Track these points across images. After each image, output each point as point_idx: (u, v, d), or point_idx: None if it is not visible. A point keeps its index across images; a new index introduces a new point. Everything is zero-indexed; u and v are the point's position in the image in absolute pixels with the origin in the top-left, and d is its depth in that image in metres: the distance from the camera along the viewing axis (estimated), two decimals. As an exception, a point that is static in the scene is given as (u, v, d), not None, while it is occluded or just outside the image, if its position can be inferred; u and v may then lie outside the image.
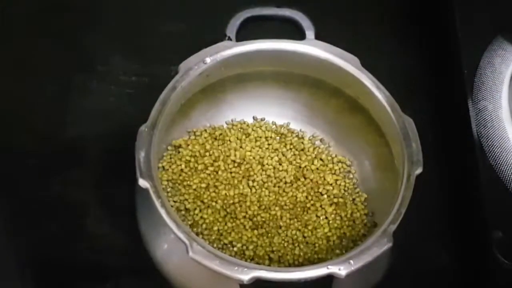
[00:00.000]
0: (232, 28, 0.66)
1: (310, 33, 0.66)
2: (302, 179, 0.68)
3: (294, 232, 0.65)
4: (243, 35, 0.66)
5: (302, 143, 0.70)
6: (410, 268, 0.68)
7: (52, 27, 0.80)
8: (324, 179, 0.68)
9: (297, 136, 0.71)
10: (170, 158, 0.67)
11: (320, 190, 0.67)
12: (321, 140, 0.71)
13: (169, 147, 0.68)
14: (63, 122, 0.75)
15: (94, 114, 0.75)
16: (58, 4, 0.81)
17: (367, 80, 0.64)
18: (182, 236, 0.55)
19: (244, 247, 0.63)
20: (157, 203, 0.56)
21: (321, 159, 0.69)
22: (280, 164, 0.68)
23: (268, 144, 0.70)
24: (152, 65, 0.77)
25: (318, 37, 0.66)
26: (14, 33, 0.78)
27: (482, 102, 0.69)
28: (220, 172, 0.67)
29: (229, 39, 0.65)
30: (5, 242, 0.68)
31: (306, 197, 0.67)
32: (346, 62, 0.65)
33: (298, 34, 0.66)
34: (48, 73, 0.77)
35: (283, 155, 0.69)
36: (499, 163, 0.66)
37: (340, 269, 0.54)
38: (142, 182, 0.56)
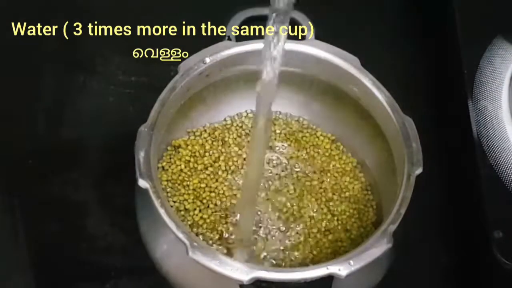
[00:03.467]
0: (232, 28, 0.66)
1: (310, 33, 0.66)
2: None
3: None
4: (243, 35, 0.66)
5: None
6: (410, 268, 0.68)
7: (51, 26, 0.79)
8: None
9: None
10: (170, 158, 0.67)
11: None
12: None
13: (169, 147, 0.68)
14: (63, 122, 0.75)
15: (94, 114, 0.75)
16: (57, 3, 0.81)
17: (367, 80, 0.64)
18: (181, 236, 0.55)
19: (244, 247, 0.63)
20: (157, 203, 0.56)
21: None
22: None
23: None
24: (152, 65, 0.77)
25: (318, 37, 0.66)
26: (13, 33, 0.78)
27: (482, 102, 0.69)
28: (220, 172, 0.67)
29: (229, 39, 0.65)
30: (5, 242, 0.68)
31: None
32: (346, 62, 0.65)
33: (298, 34, 0.66)
34: (47, 73, 0.77)
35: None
36: (499, 163, 0.66)
37: (340, 270, 0.54)
38: (142, 183, 0.56)
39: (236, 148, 0.69)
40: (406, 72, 0.80)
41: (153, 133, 0.59)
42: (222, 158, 0.68)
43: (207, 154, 0.68)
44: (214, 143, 0.69)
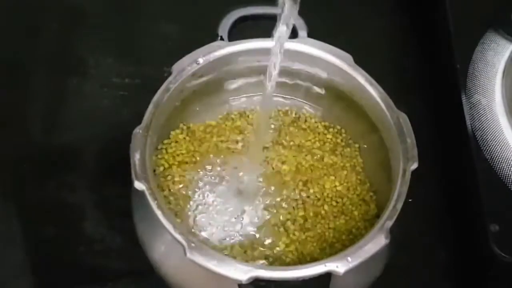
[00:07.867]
0: (224, 27, 0.66)
1: (302, 32, 0.66)
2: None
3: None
4: (235, 34, 0.66)
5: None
6: (408, 263, 0.68)
7: (44, 30, 0.79)
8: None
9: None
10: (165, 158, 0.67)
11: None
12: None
13: (164, 148, 0.68)
14: (57, 125, 0.75)
15: (88, 117, 0.75)
16: (50, 7, 0.81)
17: (360, 76, 0.64)
18: (179, 237, 0.54)
19: (242, 247, 0.63)
20: (153, 205, 0.56)
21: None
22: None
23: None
24: (145, 67, 0.77)
25: (310, 35, 0.66)
26: (6, 37, 0.78)
27: (476, 96, 0.69)
28: (216, 170, 0.67)
29: (222, 38, 0.65)
30: (3, 247, 0.68)
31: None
32: (338, 59, 0.65)
33: (290, 32, 0.66)
34: (41, 77, 0.77)
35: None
36: (494, 156, 0.66)
37: (338, 267, 0.54)
38: (138, 184, 0.56)
39: (231, 145, 0.69)
40: (399, 68, 0.80)
41: (148, 134, 0.59)
42: (217, 156, 0.68)
43: (202, 153, 0.68)
44: (210, 142, 0.69)
